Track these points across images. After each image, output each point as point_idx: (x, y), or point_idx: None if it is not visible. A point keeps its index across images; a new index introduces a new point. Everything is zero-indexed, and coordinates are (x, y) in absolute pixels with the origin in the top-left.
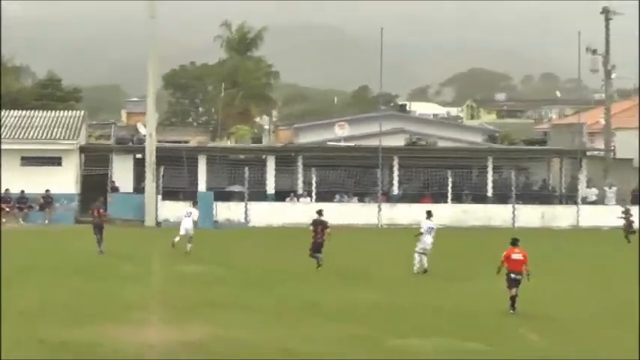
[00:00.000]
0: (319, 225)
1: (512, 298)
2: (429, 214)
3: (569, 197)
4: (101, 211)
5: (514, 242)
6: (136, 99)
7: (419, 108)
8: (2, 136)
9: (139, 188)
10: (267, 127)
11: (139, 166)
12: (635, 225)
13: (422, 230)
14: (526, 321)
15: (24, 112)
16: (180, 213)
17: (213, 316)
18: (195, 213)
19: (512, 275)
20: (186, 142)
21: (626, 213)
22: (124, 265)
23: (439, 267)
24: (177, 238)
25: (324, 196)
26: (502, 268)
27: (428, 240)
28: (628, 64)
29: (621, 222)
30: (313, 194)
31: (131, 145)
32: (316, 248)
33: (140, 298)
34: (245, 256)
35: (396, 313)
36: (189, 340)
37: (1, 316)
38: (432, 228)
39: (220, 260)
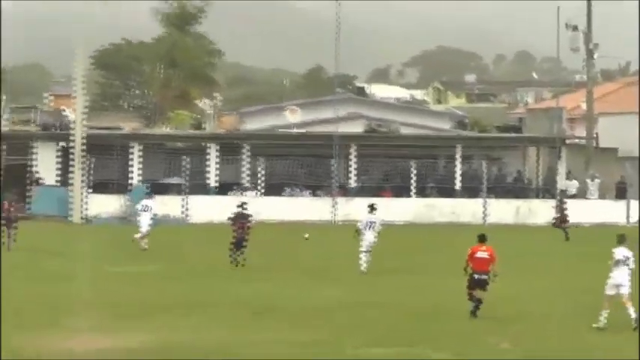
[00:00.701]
0: (240, 219)
1: (477, 301)
2: (372, 207)
3: (547, 190)
4: (13, 204)
5: (481, 238)
6: (62, 80)
7: (379, 91)
8: None
9: (64, 180)
10: (209, 111)
11: (66, 156)
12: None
13: (359, 226)
14: (498, 326)
15: None
16: (110, 208)
17: (154, 320)
18: (154, 206)
19: (476, 276)
20: (118, 128)
21: (560, 204)
22: (53, 265)
23: (405, 264)
24: (138, 235)
25: (273, 189)
26: (469, 268)
27: (370, 237)
28: (612, 41)
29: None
30: (260, 187)
31: (56, 132)
32: (238, 244)
33: (74, 301)
34: (187, 254)
35: (360, 316)
36: (128, 346)
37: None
38: (373, 222)
39: (160, 259)
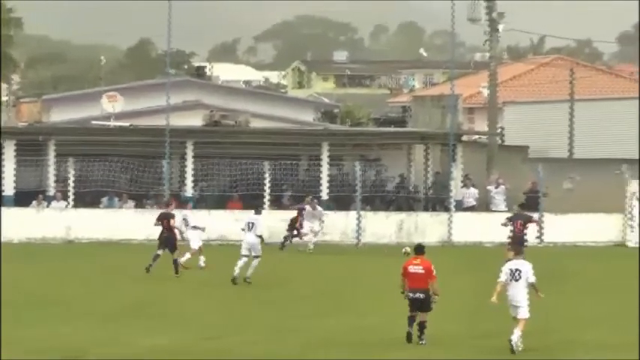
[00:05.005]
0: (165, 219)
1: (420, 324)
2: (257, 208)
3: (438, 201)
4: None
5: (417, 250)
6: None
7: (224, 72)
8: None
9: None
10: (4, 98)
11: None
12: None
13: (242, 227)
14: None
15: None
16: None
17: None
18: None
19: (410, 294)
20: None
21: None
22: None
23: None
24: None
25: (87, 198)
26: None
27: (250, 238)
28: (522, 10)
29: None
30: (70, 196)
31: None
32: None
33: None
34: None
35: None
36: None
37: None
38: (253, 223)
39: None
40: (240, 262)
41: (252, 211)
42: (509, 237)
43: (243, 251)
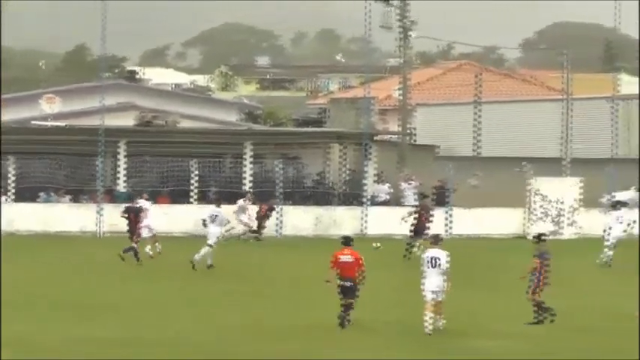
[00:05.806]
0: (132, 212)
1: (345, 307)
2: (217, 201)
3: (353, 196)
4: None
5: (345, 241)
6: None
7: (154, 76)
8: None
9: None
10: None
11: None
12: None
13: (204, 218)
14: None
15: None
16: None
17: None
18: None
19: (341, 282)
20: None
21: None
22: None
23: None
24: None
25: (26, 193)
26: (334, 276)
27: (213, 229)
28: (432, 17)
29: None
30: (10, 191)
31: None
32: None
33: None
34: None
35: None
36: None
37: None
38: (217, 215)
39: None
40: (203, 250)
41: (214, 205)
42: (412, 226)
43: (209, 241)
